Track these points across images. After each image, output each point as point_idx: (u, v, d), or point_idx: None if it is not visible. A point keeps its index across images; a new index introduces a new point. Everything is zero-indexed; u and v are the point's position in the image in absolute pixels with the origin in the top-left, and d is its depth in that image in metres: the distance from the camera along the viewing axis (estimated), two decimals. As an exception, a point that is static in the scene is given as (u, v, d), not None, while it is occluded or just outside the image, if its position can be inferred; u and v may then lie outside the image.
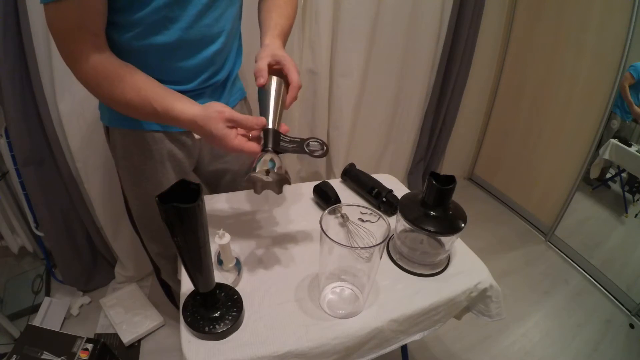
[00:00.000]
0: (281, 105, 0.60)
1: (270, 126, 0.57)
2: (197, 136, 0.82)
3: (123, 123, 0.76)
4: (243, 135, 0.58)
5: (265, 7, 0.77)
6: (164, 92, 0.60)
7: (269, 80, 0.60)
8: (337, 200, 0.84)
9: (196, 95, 0.75)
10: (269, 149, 0.55)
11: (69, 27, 0.54)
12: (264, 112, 0.58)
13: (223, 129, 0.55)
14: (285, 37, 0.73)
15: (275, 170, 0.53)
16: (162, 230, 0.93)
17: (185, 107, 0.58)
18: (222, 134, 0.55)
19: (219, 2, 0.67)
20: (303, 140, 0.56)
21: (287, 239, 0.75)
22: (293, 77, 0.62)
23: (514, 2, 1.92)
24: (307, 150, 0.55)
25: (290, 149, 0.56)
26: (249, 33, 0.88)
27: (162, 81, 0.68)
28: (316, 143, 0.56)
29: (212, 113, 0.56)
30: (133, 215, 0.94)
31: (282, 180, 0.55)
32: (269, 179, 0.53)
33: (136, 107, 0.60)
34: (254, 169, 0.53)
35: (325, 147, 0.56)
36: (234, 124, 0.57)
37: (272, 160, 0.54)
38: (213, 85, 0.77)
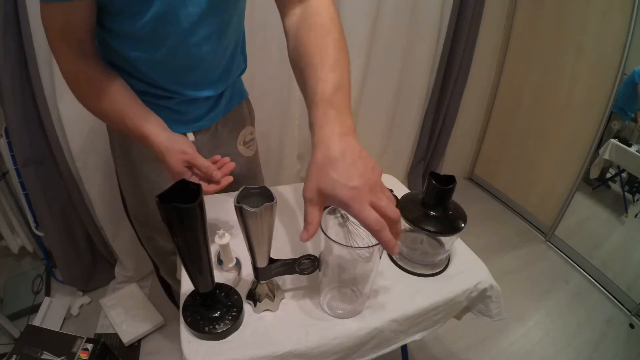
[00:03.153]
0: (269, 233, 0.49)
1: (257, 264, 0.53)
2: (191, 138, 0.82)
3: None
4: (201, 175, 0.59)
5: (299, 62, 0.54)
6: (138, 109, 0.61)
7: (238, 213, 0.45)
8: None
9: (189, 102, 0.74)
10: (260, 282, 0.57)
11: (55, 28, 0.55)
12: (249, 243, 0.49)
13: (180, 167, 0.58)
14: (339, 100, 0.47)
15: (263, 301, 0.58)
16: (158, 228, 0.93)
17: (153, 131, 0.59)
18: (176, 171, 0.58)
19: (204, 25, 0.63)
20: (295, 260, 0.56)
21: (287, 238, 0.75)
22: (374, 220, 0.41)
23: (514, 2, 1.92)
24: (297, 270, 0.57)
25: (282, 272, 0.57)
26: (252, 35, 0.87)
27: (153, 90, 0.67)
28: (307, 261, 0.56)
29: (174, 150, 0.57)
30: (130, 212, 0.94)
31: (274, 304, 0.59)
32: (263, 306, 0.58)
33: (109, 118, 0.61)
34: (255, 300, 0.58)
35: (316, 263, 0.57)
36: (192, 166, 0.58)
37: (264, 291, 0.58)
38: (209, 95, 0.75)
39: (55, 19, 0.54)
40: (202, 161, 0.58)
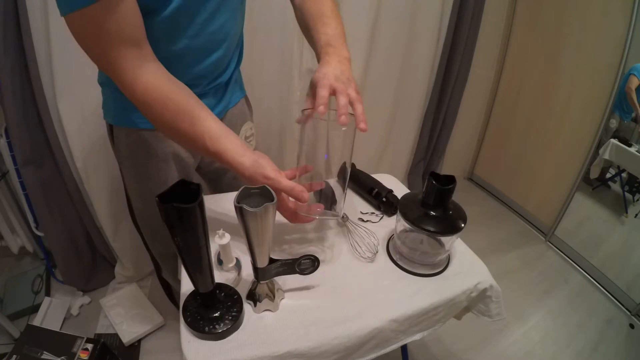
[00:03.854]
0: (268, 233, 0.50)
1: (257, 264, 0.54)
2: None
3: (127, 122, 0.75)
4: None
5: (305, 24, 0.72)
6: (217, 128, 0.59)
7: (239, 213, 0.47)
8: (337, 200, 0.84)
9: (200, 95, 0.74)
10: (261, 283, 0.58)
11: (104, 38, 0.49)
12: (249, 243, 0.51)
13: None
14: (335, 43, 0.66)
15: (263, 301, 0.58)
16: (164, 229, 0.93)
17: (236, 154, 0.58)
18: None
19: (224, 10, 0.66)
20: (295, 260, 0.56)
21: (286, 238, 0.75)
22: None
23: (514, 2, 1.92)
24: (297, 270, 0.57)
25: (282, 272, 0.57)
26: (252, 35, 0.88)
27: None
28: (307, 261, 0.57)
29: (257, 175, 0.57)
30: (135, 213, 0.94)
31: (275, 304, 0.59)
32: (263, 306, 0.59)
33: (189, 139, 0.59)
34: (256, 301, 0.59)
35: (316, 263, 0.58)
36: (277, 191, 0.58)
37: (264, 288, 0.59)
38: (216, 86, 0.78)
39: (103, 26, 0.48)
40: (285, 184, 0.57)
